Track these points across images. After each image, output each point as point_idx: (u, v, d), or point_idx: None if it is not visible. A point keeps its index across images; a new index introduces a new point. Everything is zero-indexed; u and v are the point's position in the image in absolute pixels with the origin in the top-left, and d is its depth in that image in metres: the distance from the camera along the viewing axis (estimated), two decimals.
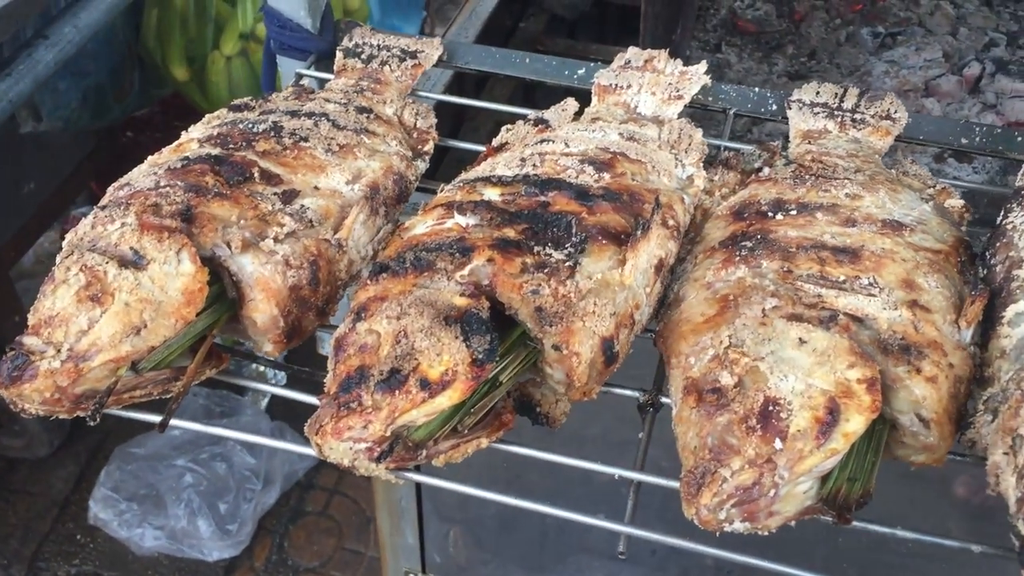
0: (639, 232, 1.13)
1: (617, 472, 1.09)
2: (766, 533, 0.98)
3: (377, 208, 1.28)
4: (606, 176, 1.25)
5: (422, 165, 1.41)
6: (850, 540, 2.03)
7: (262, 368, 3.71)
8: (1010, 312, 1.06)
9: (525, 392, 1.16)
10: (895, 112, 1.47)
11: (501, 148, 1.43)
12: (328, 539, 3.30)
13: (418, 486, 2.25)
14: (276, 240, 1.15)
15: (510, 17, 2.69)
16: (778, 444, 0.94)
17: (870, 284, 1.08)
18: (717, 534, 0.97)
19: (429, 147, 1.44)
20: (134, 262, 1.08)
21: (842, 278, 1.09)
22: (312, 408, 1.07)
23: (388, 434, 1.00)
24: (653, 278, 1.16)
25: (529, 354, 1.08)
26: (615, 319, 1.09)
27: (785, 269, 1.11)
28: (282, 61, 1.74)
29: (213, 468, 3.22)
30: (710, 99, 1.57)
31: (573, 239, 1.13)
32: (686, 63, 1.56)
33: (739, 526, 0.96)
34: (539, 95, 2.39)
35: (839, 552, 2.04)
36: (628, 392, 1.17)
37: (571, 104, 1.50)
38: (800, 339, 1.01)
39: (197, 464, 3.22)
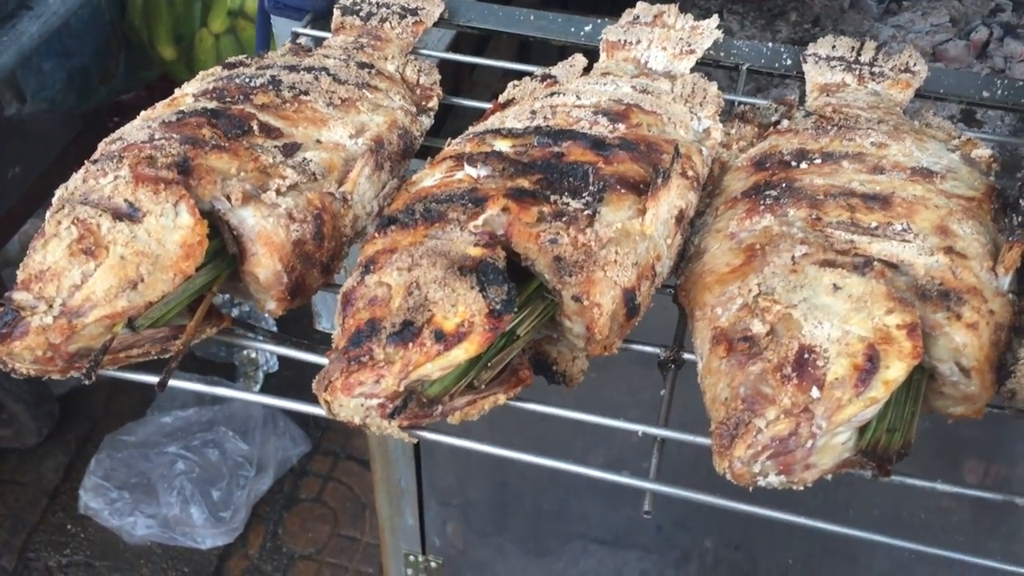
0: (659, 180, 1.08)
1: (641, 428, 1.04)
2: (801, 488, 0.94)
3: (382, 163, 1.22)
4: (621, 127, 1.20)
5: (427, 121, 1.36)
6: (860, 512, 1.99)
7: (253, 354, 3.66)
8: None
9: (540, 350, 1.11)
10: (914, 65, 1.42)
11: (508, 104, 1.37)
12: (323, 526, 3.24)
13: (418, 468, 2.20)
14: (278, 192, 1.09)
15: None
16: (815, 393, 0.89)
17: (903, 230, 1.03)
18: (750, 489, 0.93)
19: (433, 103, 1.39)
20: (129, 215, 1.02)
21: (874, 224, 1.04)
22: (308, 376, 1.01)
23: (401, 389, 0.94)
24: (673, 229, 1.11)
25: (547, 306, 1.03)
26: (637, 270, 1.04)
27: (814, 216, 1.06)
28: (276, 22, 1.68)
29: (205, 455, 3.16)
30: (722, 55, 1.52)
31: (591, 188, 1.08)
32: None
33: (774, 480, 0.91)
34: (536, 63, 2.33)
35: (848, 524, 2.01)
36: (648, 348, 1.12)
37: (579, 60, 1.45)
38: (834, 285, 0.96)
39: (189, 451, 3.16)
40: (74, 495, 3.15)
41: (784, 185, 1.12)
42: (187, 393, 3.26)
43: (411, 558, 2.38)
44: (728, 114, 1.38)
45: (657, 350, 1.12)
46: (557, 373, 1.11)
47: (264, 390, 3.45)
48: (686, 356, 1.10)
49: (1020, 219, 1.10)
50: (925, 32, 2.20)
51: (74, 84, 3.09)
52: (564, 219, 1.03)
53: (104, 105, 3.39)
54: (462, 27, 1.63)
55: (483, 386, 1.00)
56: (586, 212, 1.04)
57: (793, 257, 1.01)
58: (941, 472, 1.83)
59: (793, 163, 1.17)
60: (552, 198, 1.06)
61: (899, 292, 0.96)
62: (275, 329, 3.30)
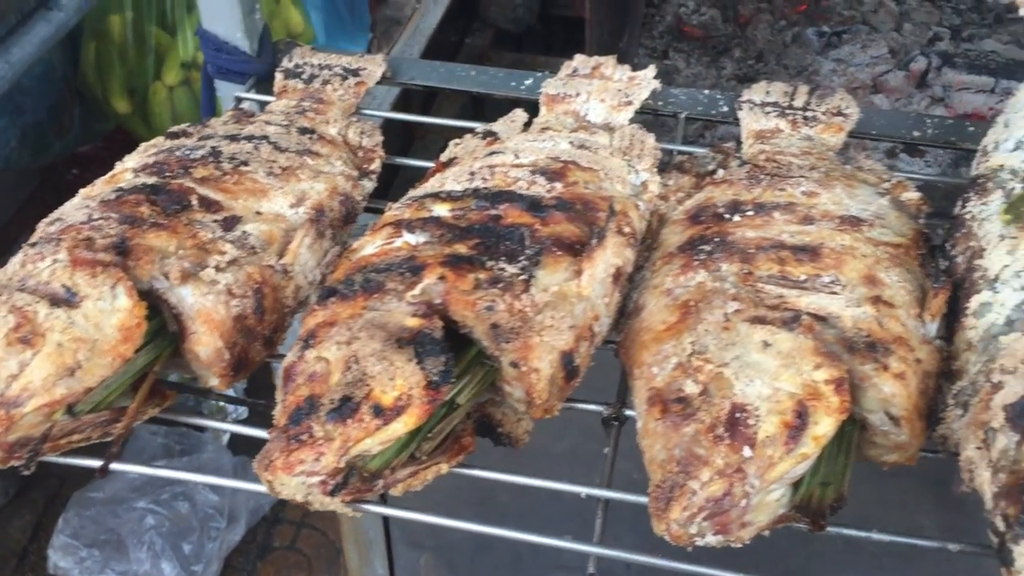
0: (594, 241, 1.10)
1: (584, 491, 1.05)
2: (739, 545, 0.95)
3: (323, 231, 1.24)
4: (558, 186, 1.22)
5: (369, 184, 1.37)
6: (825, 543, 2.00)
7: (221, 403, 3.64)
8: (974, 303, 1.04)
9: (485, 413, 1.12)
10: (846, 108, 1.45)
11: (450, 163, 1.39)
12: (298, 573, 3.22)
13: (385, 517, 2.19)
14: (217, 269, 1.10)
15: (455, 33, 2.66)
16: (747, 452, 0.91)
17: (832, 282, 1.06)
18: (689, 549, 0.94)
19: (376, 166, 1.40)
20: (66, 300, 1.03)
21: (803, 277, 1.06)
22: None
23: (342, 465, 0.95)
24: (611, 288, 1.13)
25: (487, 373, 1.04)
26: (574, 332, 1.05)
27: (745, 271, 1.08)
28: (220, 85, 1.70)
29: (175, 508, 3.13)
30: (660, 103, 1.54)
31: (527, 252, 1.09)
32: (634, 70, 1.54)
33: (711, 539, 0.93)
34: (488, 112, 2.36)
35: (813, 557, 2.02)
36: (591, 407, 1.13)
37: (519, 115, 1.47)
38: (764, 342, 0.98)
39: (158, 505, 3.13)
40: (43, 555, 3.11)
41: (718, 239, 1.14)
42: (155, 446, 3.24)
43: None
44: (667, 163, 1.40)
45: (600, 408, 1.13)
46: (503, 435, 1.12)
47: (234, 440, 3.42)
48: (628, 413, 1.11)
49: (946, 264, 1.12)
50: (866, 64, 2.24)
51: (28, 141, 3.08)
52: (500, 285, 1.05)
53: (60, 159, 3.38)
54: (405, 85, 1.65)
55: (425, 456, 1.01)
56: (522, 277, 1.06)
57: (725, 314, 1.02)
58: (928, 478, 1.84)
59: (727, 215, 1.19)
60: (488, 264, 1.08)
61: (827, 346, 0.98)
62: None
